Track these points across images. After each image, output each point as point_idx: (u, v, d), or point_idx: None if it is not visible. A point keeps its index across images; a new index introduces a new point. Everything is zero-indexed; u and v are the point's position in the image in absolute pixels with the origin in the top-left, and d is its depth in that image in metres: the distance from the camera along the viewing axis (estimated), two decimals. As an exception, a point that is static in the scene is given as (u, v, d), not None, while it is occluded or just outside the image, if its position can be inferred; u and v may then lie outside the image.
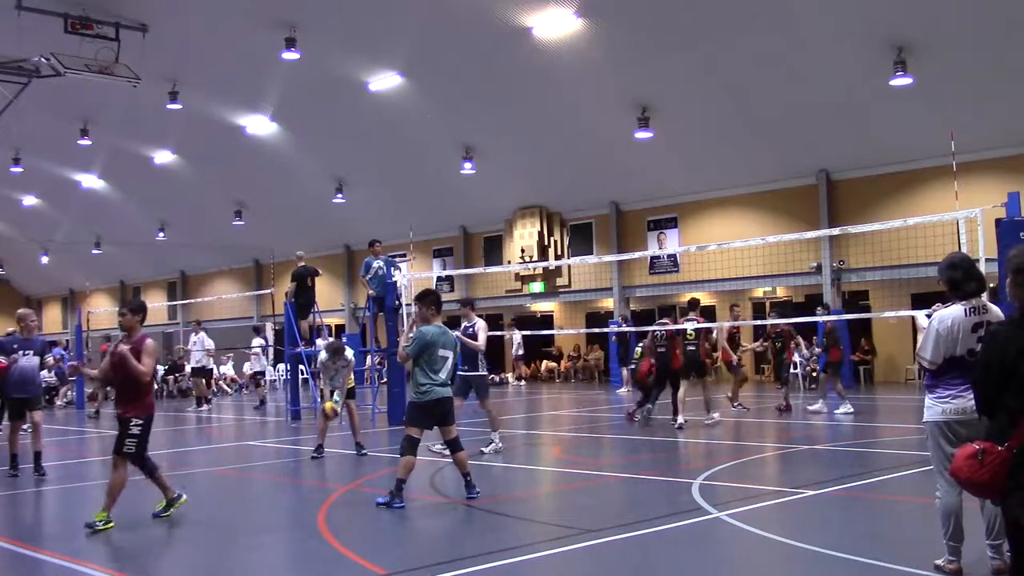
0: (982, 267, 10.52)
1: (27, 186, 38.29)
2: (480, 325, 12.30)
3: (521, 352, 30.33)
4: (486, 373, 12.52)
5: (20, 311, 11.23)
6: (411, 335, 8.83)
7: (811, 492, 8.50)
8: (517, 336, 29.26)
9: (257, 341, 24.75)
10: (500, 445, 11.99)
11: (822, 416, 15.33)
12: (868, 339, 24.39)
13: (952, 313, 5.38)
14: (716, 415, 14.87)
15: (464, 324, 12.38)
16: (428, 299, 8.76)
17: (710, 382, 15.88)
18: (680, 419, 14.30)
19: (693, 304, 15.88)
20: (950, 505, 5.35)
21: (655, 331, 15.35)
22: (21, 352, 10.63)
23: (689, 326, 15.07)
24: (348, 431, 12.90)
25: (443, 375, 8.44)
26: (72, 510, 9.22)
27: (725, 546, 6.81)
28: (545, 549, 6.65)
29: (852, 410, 15.24)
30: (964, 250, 10.90)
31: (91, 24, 20.52)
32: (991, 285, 10.94)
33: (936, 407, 5.41)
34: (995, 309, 5.44)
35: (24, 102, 23.78)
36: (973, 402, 5.18)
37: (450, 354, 8.52)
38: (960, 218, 10.89)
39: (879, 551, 6.09)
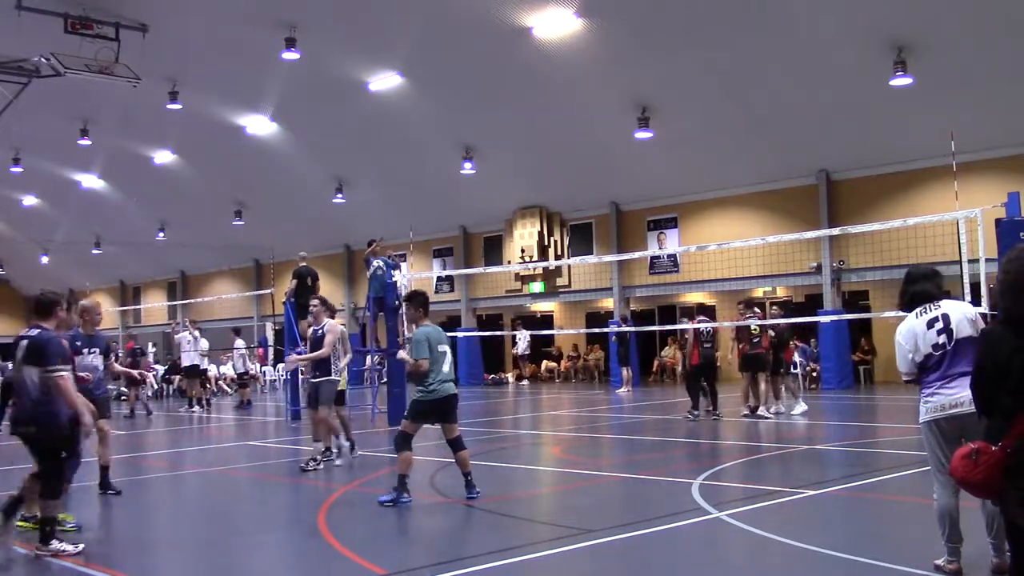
0: (982, 267, 10.55)
1: (27, 186, 38.30)
2: (330, 327, 11.14)
3: (527, 352, 30.30)
4: (336, 379, 11.30)
5: (83, 303, 9.69)
6: (410, 335, 8.86)
7: (811, 492, 8.50)
8: (524, 335, 29.24)
9: (239, 343, 24.75)
10: (320, 464, 10.77)
11: (805, 415, 15.39)
12: (868, 339, 24.39)
13: (907, 324, 5.58)
14: (780, 407, 15.58)
15: (312, 328, 11.34)
16: (417, 300, 8.81)
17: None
18: (744, 409, 15.49)
19: (750, 303, 16.62)
20: (945, 506, 5.36)
21: (699, 328, 15.89)
22: (86, 350, 9.18)
23: (753, 323, 15.54)
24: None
25: (446, 369, 8.50)
26: (72, 510, 9.21)
27: (725, 546, 6.81)
28: (545, 549, 6.65)
29: (772, 415, 15.57)
30: (964, 250, 10.92)
31: (91, 24, 20.50)
32: (991, 285, 10.98)
33: (922, 407, 5.50)
34: (949, 302, 5.54)
35: (24, 102, 23.75)
36: (950, 397, 5.26)
37: (447, 348, 8.60)
38: (960, 218, 10.91)
39: (879, 551, 6.10)
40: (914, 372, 5.52)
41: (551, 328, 31.01)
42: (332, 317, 11.87)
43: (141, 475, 9.24)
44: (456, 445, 8.61)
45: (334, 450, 11.44)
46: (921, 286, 5.64)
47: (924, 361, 5.44)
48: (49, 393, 6.78)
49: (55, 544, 6.79)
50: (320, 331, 11.15)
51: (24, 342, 6.90)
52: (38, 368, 6.78)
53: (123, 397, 22.85)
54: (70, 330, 7.68)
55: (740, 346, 15.68)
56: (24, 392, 6.87)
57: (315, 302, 11.50)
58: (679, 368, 28.30)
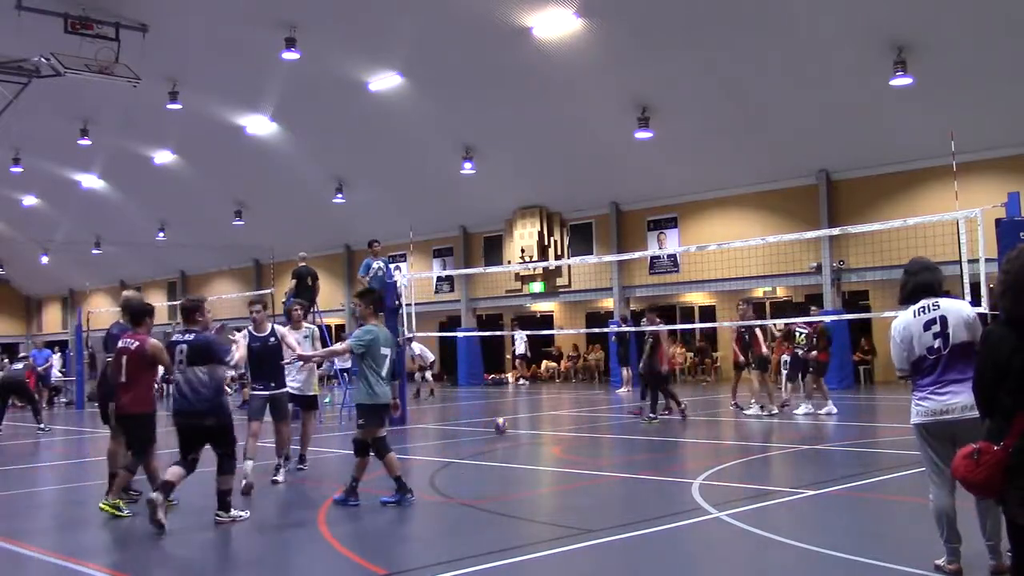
0: (982, 267, 10.54)
1: (27, 186, 38.29)
2: (283, 333, 10.07)
3: (525, 352, 30.28)
4: (285, 390, 10.12)
5: (126, 293, 9.71)
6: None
7: (811, 492, 8.50)
8: (521, 336, 29.24)
9: None
10: (283, 476, 9.99)
11: (811, 417, 15.37)
12: (868, 339, 24.39)
13: (903, 319, 5.51)
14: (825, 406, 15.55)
15: (249, 332, 9.86)
16: (369, 298, 8.77)
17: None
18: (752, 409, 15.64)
19: (749, 302, 17.47)
20: (941, 507, 5.36)
21: (666, 331, 16.28)
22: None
23: (769, 322, 16.76)
24: (341, 432, 12.88)
25: (384, 372, 8.44)
26: (73, 510, 9.23)
27: (725, 546, 6.81)
28: (545, 549, 6.65)
29: (815, 411, 15.55)
30: (964, 250, 10.90)
31: (91, 24, 20.50)
32: (991, 285, 10.92)
33: (913, 409, 5.49)
34: (948, 303, 5.46)
35: (24, 102, 23.77)
36: (941, 403, 5.26)
37: (390, 351, 8.54)
38: (960, 218, 10.90)
39: (879, 551, 6.10)
40: (907, 369, 5.50)
41: (551, 328, 31.01)
42: (305, 317, 11.61)
43: (140, 475, 9.27)
44: (376, 446, 8.52)
45: (283, 464, 10.10)
46: (923, 276, 5.56)
47: (918, 362, 5.41)
48: (219, 387, 7.83)
49: (235, 512, 7.83)
50: (272, 339, 9.85)
51: (184, 346, 7.79)
52: (208, 366, 7.76)
53: None
54: (207, 330, 8.20)
55: (759, 347, 15.95)
56: (192, 389, 7.72)
57: (258, 307, 10.04)
58: (678, 368, 28.34)
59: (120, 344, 8.37)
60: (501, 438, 13.71)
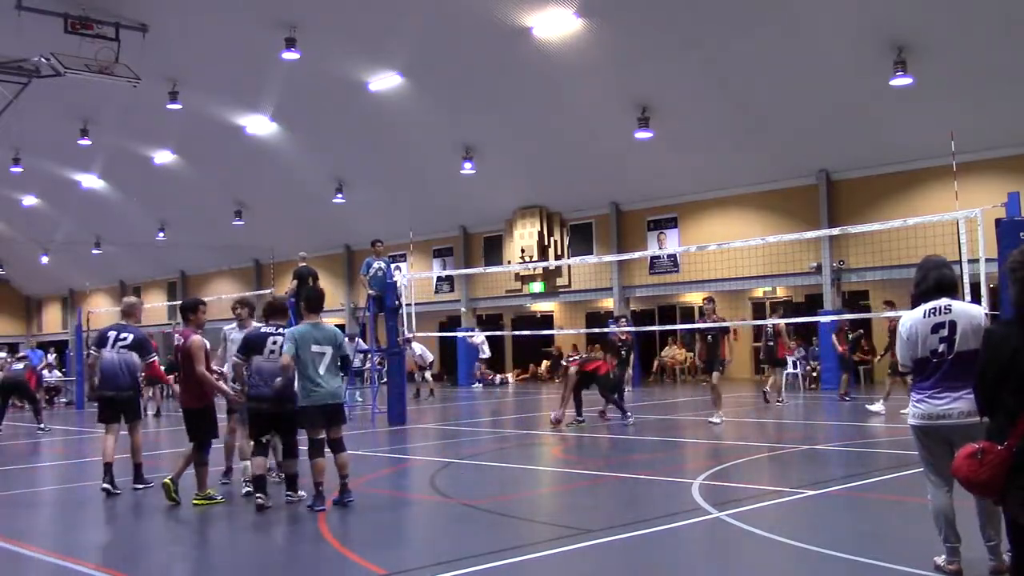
0: (982, 267, 10.53)
1: (27, 186, 38.31)
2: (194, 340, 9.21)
3: (485, 356, 29.50)
4: None
5: (127, 299, 10.12)
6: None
7: (811, 492, 8.50)
8: (480, 338, 28.89)
9: None
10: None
11: (882, 417, 15.29)
12: (868, 339, 24.36)
13: (912, 317, 5.46)
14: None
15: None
16: (301, 295, 8.93)
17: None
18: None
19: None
20: (940, 507, 5.35)
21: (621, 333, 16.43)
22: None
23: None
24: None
25: (323, 371, 8.15)
26: (73, 510, 9.22)
27: (725, 546, 6.81)
28: (545, 549, 6.65)
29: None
30: (964, 250, 10.89)
31: (91, 24, 20.52)
32: (991, 285, 10.90)
33: (910, 408, 5.49)
34: (961, 308, 5.38)
35: (24, 102, 23.79)
36: (938, 408, 5.25)
37: (328, 348, 8.19)
38: (960, 218, 10.88)
39: (879, 551, 6.09)
40: (909, 365, 5.49)
41: (551, 328, 30.99)
42: (251, 315, 11.12)
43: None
44: (336, 447, 8.39)
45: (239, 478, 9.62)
46: (941, 272, 5.47)
47: (921, 363, 5.39)
48: (293, 378, 8.29)
49: (301, 492, 8.56)
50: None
51: (277, 338, 8.42)
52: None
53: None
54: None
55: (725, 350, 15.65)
56: (270, 377, 8.34)
57: (242, 311, 10.10)
58: (678, 368, 28.35)
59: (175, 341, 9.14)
60: (501, 438, 13.71)
